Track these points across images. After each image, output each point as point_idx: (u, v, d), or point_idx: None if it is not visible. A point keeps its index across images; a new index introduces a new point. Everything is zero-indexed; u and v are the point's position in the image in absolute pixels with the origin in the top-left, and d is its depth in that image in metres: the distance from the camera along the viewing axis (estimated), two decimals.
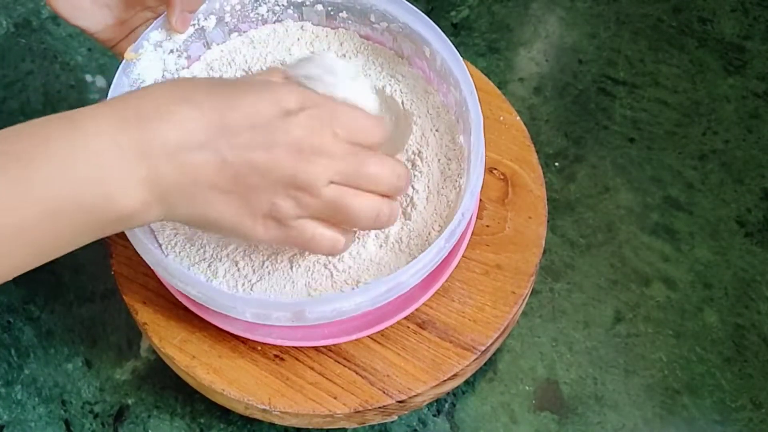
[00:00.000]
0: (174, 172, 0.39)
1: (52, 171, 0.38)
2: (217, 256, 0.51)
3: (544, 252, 0.57)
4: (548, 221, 0.57)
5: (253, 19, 0.59)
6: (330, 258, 0.50)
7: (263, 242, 0.48)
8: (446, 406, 0.58)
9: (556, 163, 0.70)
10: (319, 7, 0.58)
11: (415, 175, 0.53)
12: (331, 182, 0.42)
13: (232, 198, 0.41)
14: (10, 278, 0.39)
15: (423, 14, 0.54)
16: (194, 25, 0.56)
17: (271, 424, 0.57)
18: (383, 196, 0.44)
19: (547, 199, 0.58)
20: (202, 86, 0.42)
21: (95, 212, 0.39)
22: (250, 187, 0.41)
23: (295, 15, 0.59)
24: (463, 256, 0.55)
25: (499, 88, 0.64)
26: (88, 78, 0.77)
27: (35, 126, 0.39)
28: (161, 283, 0.53)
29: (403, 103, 0.56)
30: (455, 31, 0.80)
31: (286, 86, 0.43)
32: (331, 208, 0.42)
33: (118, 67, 0.52)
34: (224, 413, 0.58)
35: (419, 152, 0.54)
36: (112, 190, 0.39)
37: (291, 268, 0.50)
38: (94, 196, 0.38)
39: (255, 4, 0.58)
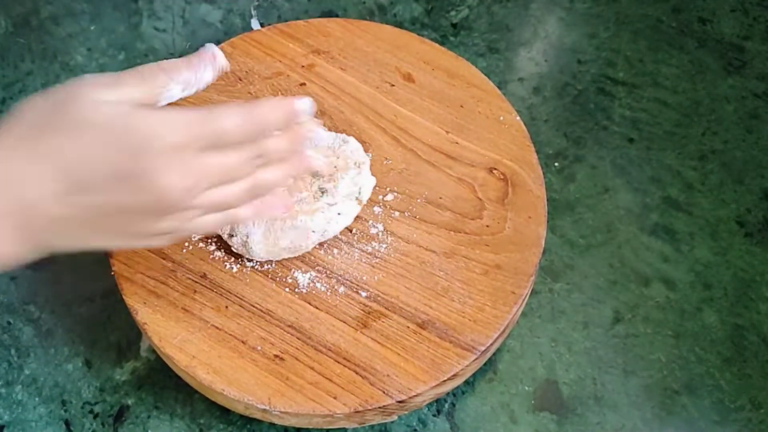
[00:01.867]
0: (46, 225, 0.40)
1: None
2: None
3: (544, 252, 0.57)
4: (548, 221, 0.57)
5: None
6: None
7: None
8: (446, 406, 0.58)
9: (556, 163, 0.70)
10: None
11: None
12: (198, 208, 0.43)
13: (114, 235, 0.43)
14: None
15: None
16: None
17: (271, 424, 0.57)
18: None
19: (547, 199, 0.58)
20: (60, 132, 0.40)
21: None
22: (127, 225, 0.42)
23: None
24: (463, 256, 0.55)
25: (499, 88, 0.64)
26: None
27: None
28: (161, 283, 0.54)
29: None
30: (455, 32, 0.80)
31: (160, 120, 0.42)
32: (207, 209, 0.44)
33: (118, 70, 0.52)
34: (224, 413, 0.58)
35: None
36: None
37: None
38: None
39: None
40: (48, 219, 0.40)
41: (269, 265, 0.55)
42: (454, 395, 0.58)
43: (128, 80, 0.42)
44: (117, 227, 0.42)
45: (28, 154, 0.39)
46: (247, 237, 0.53)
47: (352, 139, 0.59)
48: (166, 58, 0.76)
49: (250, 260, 0.55)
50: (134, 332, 0.61)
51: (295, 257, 0.55)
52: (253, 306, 0.53)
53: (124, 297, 0.54)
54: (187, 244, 0.56)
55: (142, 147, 0.40)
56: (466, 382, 0.58)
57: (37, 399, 0.59)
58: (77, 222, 0.41)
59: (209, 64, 0.45)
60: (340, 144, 0.58)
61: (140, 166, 0.40)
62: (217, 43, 0.71)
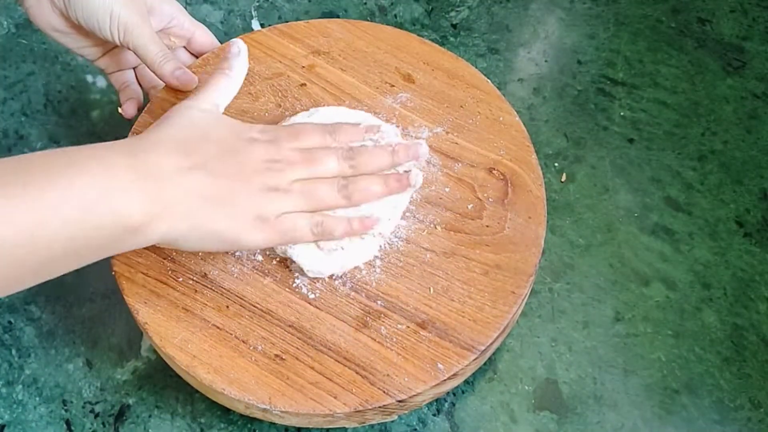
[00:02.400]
0: (173, 188, 0.47)
1: (64, 195, 0.43)
2: None
3: (544, 252, 0.57)
4: (548, 221, 0.57)
5: None
6: None
7: (256, 244, 0.51)
8: (446, 405, 0.58)
9: (556, 164, 0.71)
10: None
11: None
12: (295, 181, 0.52)
13: (225, 208, 0.49)
14: (20, 289, 0.45)
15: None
16: None
17: (272, 424, 0.57)
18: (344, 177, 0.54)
19: (547, 199, 0.58)
20: (178, 130, 0.51)
21: (105, 228, 0.45)
22: (235, 196, 0.49)
23: None
24: (463, 256, 0.55)
25: (499, 88, 0.65)
26: (89, 78, 0.77)
27: (45, 157, 0.45)
28: (162, 283, 0.54)
29: None
30: (455, 32, 0.80)
31: (245, 124, 0.54)
32: (300, 198, 0.52)
33: None
34: (225, 413, 0.58)
35: None
36: (119, 207, 0.45)
37: None
38: (103, 216, 0.44)
39: None
40: (172, 185, 0.47)
41: (270, 265, 0.55)
42: (454, 395, 0.59)
43: (207, 92, 0.54)
44: (229, 200, 0.49)
45: (158, 143, 0.49)
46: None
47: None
48: None
49: (250, 260, 0.55)
50: (135, 332, 0.61)
51: (277, 252, 0.55)
52: (254, 306, 0.53)
53: (124, 297, 0.54)
54: None
55: (239, 129, 0.53)
56: (466, 382, 0.58)
57: (37, 399, 0.59)
58: (197, 196, 0.48)
59: (240, 58, 0.58)
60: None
61: (235, 141, 0.51)
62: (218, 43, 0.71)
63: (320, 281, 0.54)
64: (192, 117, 0.52)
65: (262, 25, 0.81)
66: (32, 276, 0.44)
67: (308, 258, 0.53)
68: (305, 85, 0.64)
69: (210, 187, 0.48)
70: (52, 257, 0.43)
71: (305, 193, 0.52)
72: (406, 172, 0.55)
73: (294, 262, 0.54)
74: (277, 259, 0.55)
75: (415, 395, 0.50)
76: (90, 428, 0.58)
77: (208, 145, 0.50)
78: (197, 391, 0.55)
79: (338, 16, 0.82)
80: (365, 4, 0.83)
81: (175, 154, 0.48)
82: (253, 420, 0.57)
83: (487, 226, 0.57)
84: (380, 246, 0.55)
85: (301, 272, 0.54)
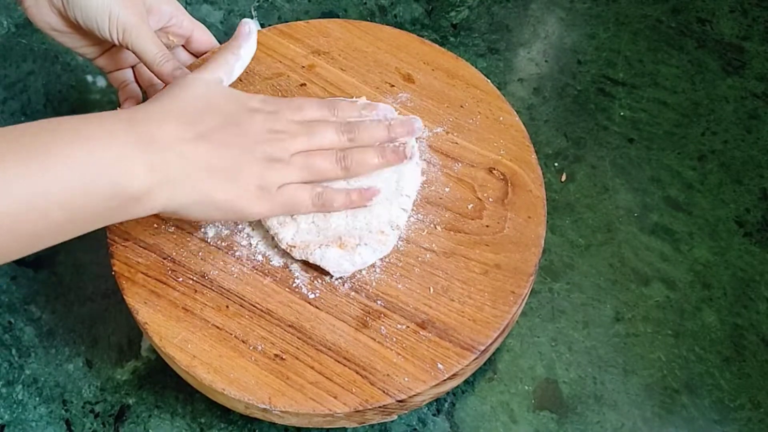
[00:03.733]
0: (174, 157, 0.47)
1: (66, 164, 0.43)
2: None
3: (544, 252, 0.57)
4: (548, 221, 0.57)
5: None
6: None
7: (257, 215, 0.52)
8: (446, 405, 0.58)
9: (556, 164, 0.71)
10: None
11: None
12: (295, 153, 0.53)
13: (227, 178, 0.49)
14: (18, 257, 0.45)
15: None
16: None
17: (272, 424, 0.57)
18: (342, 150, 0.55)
19: (547, 199, 0.58)
20: (181, 101, 0.51)
21: (106, 196, 0.45)
22: (237, 166, 0.50)
23: None
24: (462, 256, 0.55)
25: (499, 88, 0.65)
26: (89, 78, 0.77)
27: (47, 124, 0.45)
28: (162, 283, 0.54)
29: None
30: (455, 32, 0.80)
31: (247, 94, 0.55)
32: (301, 169, 0.53)
33: None
34: (225, 413, 0.58)
35: None
36: (121, 174, 0.45)
37: None
38: (104, 183, 0.44)
39: None
40: (173, 154, 0.47)
41: (270, 265, 0.55)
42: (453, 395, 0.59)
43: (213, 66, 0.55)
44: (231, 169, 0.49)
45: (161, 113, 0.49)
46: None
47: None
48: None
49: (250, 260, 0.55)
50: (135, 332, 0.61)
51: (295, 258, 0.55)
52: (254, 306, 0.53)
53: (124, 297, 0.54)
54: (188, 241, 0.56)
55: (241, 100, 0.53)
56: (466, 382, 0.58)
57: (37, 399, 0.59)
58: (199, 166, 0.48)
59: (250, 38, 0.58)
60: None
61: (237, 111, 0.52)
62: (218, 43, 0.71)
63: (320, 281, 0.54)
64: (195, 88, 0.52)
65: (262, 25, 0.81)
66: (29, 245, 0.44)
67: (332, 260, 0.53)
68: (305, 85, 0.64)
69: (212, 157, 0.49)
70: (51, 225, 0.44)
71: (305, 164, 0.53)
72: (402, 144, 0.57)
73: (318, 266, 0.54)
74: (278, 259, 0.55)
75: (415, 395, 0.50)
76: (90, 428, 0.58)
77: (211, 116, 0.50)
78: (197, 391, 0.55)
79: (338, 16, 0.82)
80: (365, 4, 0.83)
81: (177, 124, 0.48)
82: (253, 420, 0.57)
83: (487, 226, 0.57)
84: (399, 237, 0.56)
85: (325, 273, 0.54)
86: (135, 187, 0.46)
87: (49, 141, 0.43)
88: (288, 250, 0.54)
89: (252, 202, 0.50)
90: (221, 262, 0.55)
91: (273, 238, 0.55)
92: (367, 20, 0.76)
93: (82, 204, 0.44)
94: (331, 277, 0.54)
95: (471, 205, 0.58)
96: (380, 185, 0.56)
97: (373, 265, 0.55)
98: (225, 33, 0.80)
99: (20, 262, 0.65)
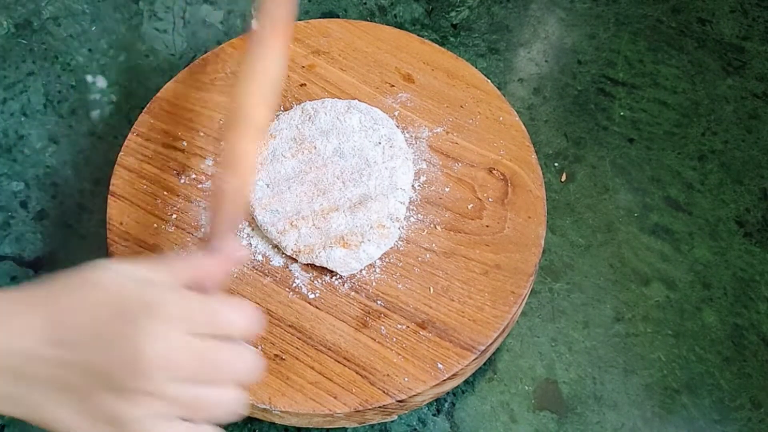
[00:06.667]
0: (13, 371, 0.37)
1: None
2: None
3: (544, 252, 0.57)
4: (548, 221, 0.57)
5: None
6: None
7: None
8: (446, 405, 0.58)
9: (556, 164, 0.71)
10: None
11: None
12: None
13: (70, 397, 0.38)
14: None
15: None
16: None
17: (272, 424, 0.57)
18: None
19: (547, 199, 0.58)
20: (42, 292, 0.41)
21: None
22: (90, 388, 0.37)
23: None
24: (462, 256, 0.55)
25: (499, 88, 0.65)
26: (89, 78, 0.77)
27: None
28: None
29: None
30: (455, 32, 0.80)
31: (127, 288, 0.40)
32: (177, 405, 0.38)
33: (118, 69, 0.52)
34: None
35: None
36: None
37: None
38: None
39: None
40: (22, 369, 0.37)
41: (270, 265, 0.55)
42: (453, 395, 0.59)
43: (152, 265, 0.41)
44: (81, 392, 0.37)
45: (27, 303, 0.40)
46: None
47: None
48: (167, 59, 0.76)
49: (250, 260, 0.55)
50: None
51: (302, 262, 0.55)
52: (254, 306, 0.53)
53: None
54: (188, 242, 0.56)
55: (139, 312, 0.37)
56: (466, 382, 0.58)
57: None
58: (45, 380, 0.38)
59: (226, 264, 0.44)
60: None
61: (129, 327, 0.37)
62: (218, 43, 0.71)
63: (320, 281, 0.54)
64: (94, 275, 0.41)
65: None
66: None
67: (338, 260, 0.54)
68: (305, 85, 0.64)
69: (59, 372, 0.37)
70: None
71: (185, 404, 0.38)
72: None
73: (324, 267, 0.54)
74: (278, 259, 0.55)
75: (415, 395, 0.50)
76: None
77: (85, 317, 0.38)
78: None
79: (338, 16, 0.81)
80: (365, 4, 0.83)
81: (26, 331, 0.38)
82: (253, 420, 0.57)
83: (487, 226, 0.57)
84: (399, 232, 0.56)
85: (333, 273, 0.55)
86: None
87: None
88: (294, 256, 0.54)
89: None
90: None
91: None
92: (367, 20, 0.76)
93: None
94: (331, 276, 0.54)
95: (471, 205, 0.58)
96: (373, 182, 0.56)
97: (373, 265, 0.55)
98: (225, 33, 0.80)
99: (20, 262, 0.65)
